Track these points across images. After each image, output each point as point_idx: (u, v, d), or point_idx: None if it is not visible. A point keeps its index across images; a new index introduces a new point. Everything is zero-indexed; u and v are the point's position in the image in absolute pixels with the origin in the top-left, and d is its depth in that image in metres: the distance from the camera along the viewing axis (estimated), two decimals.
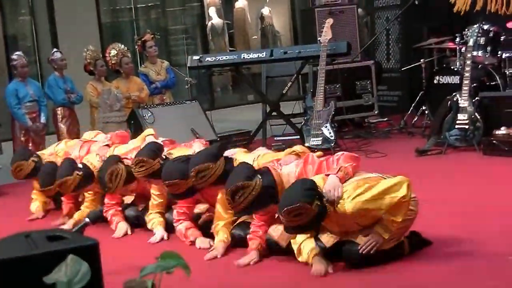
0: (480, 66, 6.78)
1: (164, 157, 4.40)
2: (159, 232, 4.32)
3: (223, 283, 3.55)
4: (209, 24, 11.86)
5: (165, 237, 4.30)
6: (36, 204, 5.42)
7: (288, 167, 3.65)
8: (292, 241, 3.56)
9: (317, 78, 6.61)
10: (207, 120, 7.19)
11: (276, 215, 3.59)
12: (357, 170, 3.51)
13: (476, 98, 6.17)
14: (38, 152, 5.73)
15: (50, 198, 5.38)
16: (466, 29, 6.57)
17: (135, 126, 6.87)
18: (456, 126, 6.14)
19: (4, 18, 9.84)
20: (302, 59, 7.27)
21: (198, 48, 11.77)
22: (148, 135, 5.03)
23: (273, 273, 3.57)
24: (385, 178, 3.45)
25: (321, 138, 6.50)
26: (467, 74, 6.14)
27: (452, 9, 6.81)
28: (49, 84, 7.24)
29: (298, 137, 6.93)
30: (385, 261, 3.42)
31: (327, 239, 3.50)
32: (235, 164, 3.97)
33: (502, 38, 6.78)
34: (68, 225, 4.88)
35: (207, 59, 7.46)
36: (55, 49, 7.70)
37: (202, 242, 4.06)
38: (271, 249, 3.73)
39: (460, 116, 6.13)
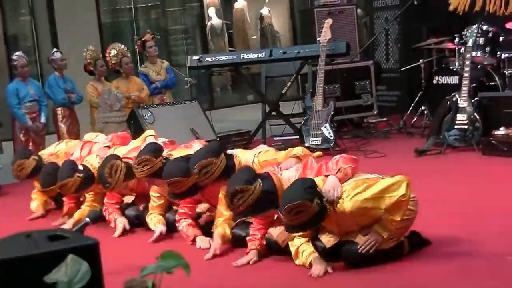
0: (479, 66, 6.79)
1: (164, 157, 4.41)
2: (158, 228, 4.33)
3: (224, 283, 3.55)
4: (209, 24, 11.87)
5: (164, 232, 4.31)
6: (36, 203, 5.43)
7: (288, 172, 3.66)
8: (290, 243, 3.58)
9: (316, 78, 6.62)
10: (207, 120, 7.21)
11: (276, 216, 3.61)
12: (356, 171, 3.52)
13: (475, 98, 6.17)
14: (38, 153, 5.74)
15: (51, 199, 5.39)
16: (465, 30, 6.58)
17: (135, 126, 6.88)
18: (455, 126, 6.15)
19: (4, 18, 9.84)
20: (301, 59, 7.29)
21: (197, 48, 11.76)
22: (148, 136, 5.04)
23: (273, 273, 3.58)
24: (384, 179, 3.46)
25: (320, 138, 6.52)
26: (466, 75, 6.15)
27: (452, 10, 6.84)
28: (49, 84, 7.25)
29: (298, 137, 6.95)
30: (384, 261, 3.42)
31: (327, 240, 3.51)
32: (236, 160, 3.99)
33: (501, 38, 6.78)
34: (68, 224, 4.89)
35: (206, 59, 7.48)
36: (55, 49, 7.71)
37: (202, 241, 4.07)
38: (270, 249, 3.74)
39: (459, 116, 6.14)
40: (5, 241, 2.28)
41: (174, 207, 4.47)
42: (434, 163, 5.90)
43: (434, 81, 7.13)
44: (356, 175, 3.50)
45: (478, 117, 6.08)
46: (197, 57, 7.43)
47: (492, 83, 6.73)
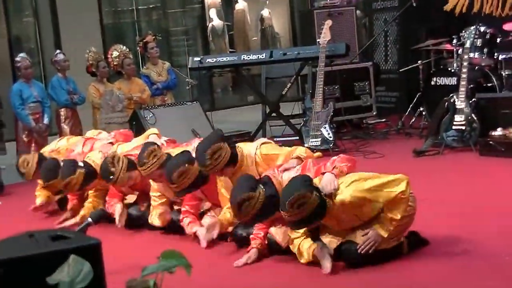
0: (476, 67, 6.82)
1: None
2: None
3: (224, 282, 3.56)
4: (210, 25, 11.88)
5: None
6: (40, 199, 5.47)
7: (288, 174, 3.68)
8: (291, 246, 3.60)
9: (316, 79, 6.64)
10: (208, 120, 7.23)
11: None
12: (352, 170, 3.54)
13: (473, 99, 6.20)
14: (40, 150, 5.80)
15: (54, 194, 5.38)
16: (463, 31, 6.61)
17: (137, 127, 6.91)
18: (453, 127, 6.18)
19: (8, 20, 9.86)
20: (301, 60, 7.31)
21: (198, 49, 11.75)
22: (151, 134, 5.07)
23: (273, 273, 3.59)
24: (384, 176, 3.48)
25: (320, 139, 6.53)
26: (464, 76, 6.16)
27: (450, 11, 6.89)
28: (52, 85, 7.30)
29: (298, 138, 6.96)
30: (384, 260, 3.43)
31: (329, 240, 3.54)
32: (238, 150, 3.99)
33: (499, 40, 6.79)
34: (72, 221, 4.94)
35: (207, 60, 7.51)
36: (58, 51, 7.76)
37: (202, 232, 4.10)
38: (271, 249, 3.77)
39: (457, 117, 6.16)
40: (8, 241, 2.30)
41: (176, 207, 4.49)
42: (432, 164, 5.92)
43: (432, 82, 7.15)
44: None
45: (475, 118, 6.11)
46: (198, 58, 7.47)
47: (490, 84, 6.76)
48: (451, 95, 6.26)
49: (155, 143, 4.61)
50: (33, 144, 6.97)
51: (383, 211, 3.43)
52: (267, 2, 12.44)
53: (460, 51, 6.80)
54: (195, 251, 3.94)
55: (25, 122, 7.00)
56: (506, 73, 6.68)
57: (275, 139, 7.50)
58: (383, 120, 8.06)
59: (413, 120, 7.58)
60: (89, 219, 3.82)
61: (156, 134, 5.06)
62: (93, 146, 5.27)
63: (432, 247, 3.64)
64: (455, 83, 6.59)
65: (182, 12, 12.01)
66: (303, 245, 3.53)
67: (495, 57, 6.80)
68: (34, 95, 7.05)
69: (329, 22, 6.84)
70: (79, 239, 2.31)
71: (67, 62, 7.34)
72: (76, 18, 9.47)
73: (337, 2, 8.34)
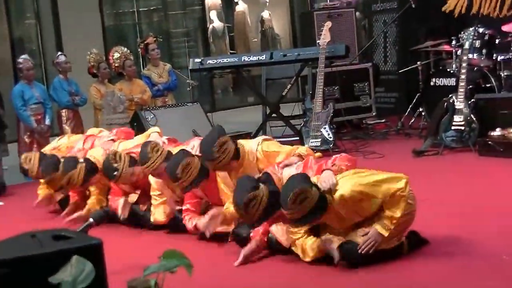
0: (475, 68, 6.84)
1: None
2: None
3: (225, 282, 3.57)
4: (210, 27, 11.90)
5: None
6: (42, 195, 5.53)
7: (288, 170, 3.69)
8: (294, 249, 3.60)
9: (316, 80, 6.66)
10: (209, 121, 7.26)
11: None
12: (352, 169, 3.55)
13: (472, 100, 6.22)
14: (41, 150, 5.85)
15: (56, 191, 5.39)
16: (462, 32, 6.64)
17: (138, 128, 6.94)
18: (452, 128, 6.20)
19: (10, 22, 9.88)
20: (301, 62, 7.33)
21: (199, 51, 11.75)
22: (153, 132, 5.09)
23: (274, 273, 3.59)
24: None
25: (320, 139, 6.55)
26: (463, 76, 6.19)
27: (449, 13, 6.92)
28: (54, 86, 7.35)
29: (298, 138, 6.99)
30: (384, 260, 3.44)
31: None
32: (239, 146, 4.01)
33: (497, 41, 6.83)
34: (79, 212, 4.97)
35: (208, 61, 7.53)
36: (59, 52, 7.81)
37: (203, 221, 4.12)
38: (273, 248, 3.77)
39: (456, 118, 6.18)
40: (10, 241, 2.32)
41: (177, 207, 4.49)
42: (431, 164, 5.94)
43: (432, 83, 7.17)
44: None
45: (474, 118, 6.13)
46: (198, 60, 7.49)
47: (488, 85, 6.78)
48: (450, 95, 6.29)
49: (154, 141, 4.64)
50: (35, 145, 7.00)
51: (383, 209, 3.43)
52: (267, 3, 12.47)
53: (459, 52, 6.82)
54: (196, 251, 3.92)
55: (27, 123, 7.04)
56: (505, 73, 6.71)
57: (275, 139, 7.54)
58: (383, 120, 8.09)
59: (412, 120, 7.61)
60: (91, 220, 3.82)
61: (157, 132, 5.08)
62: (94, 143, 5.29)
63: (432, 247, 3.64)
64: (454, 83, 6.60)
65: (182, 14, 12.02)
66: (307, 243, 3.53)
67: (494, 58, 6.82)
68: (36, 96, 7.09)
69: (328, 24, 6.85)
70: (81, 239, 2.33)
71: (68, 64, 7.38)
72: (77, 20, 9.48)
73: (336, 4, 8.38)
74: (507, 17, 6.69)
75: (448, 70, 7.12)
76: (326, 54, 6.72)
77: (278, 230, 3.73)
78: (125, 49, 7.77)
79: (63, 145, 5.68)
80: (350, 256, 3.45)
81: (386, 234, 3.40)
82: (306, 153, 3.92)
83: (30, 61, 7.20)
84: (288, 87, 7.54)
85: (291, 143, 4.35)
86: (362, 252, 3.41)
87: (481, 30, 6.72)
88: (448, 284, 3.20)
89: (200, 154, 4.14)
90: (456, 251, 3.58)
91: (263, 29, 12.50)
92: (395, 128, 7.63)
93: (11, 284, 2.06)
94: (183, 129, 6.83)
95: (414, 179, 3.63)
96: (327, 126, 6.58)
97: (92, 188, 5.05)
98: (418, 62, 7.62)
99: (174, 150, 4.52)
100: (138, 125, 7.01)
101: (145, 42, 7.97)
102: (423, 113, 7.34)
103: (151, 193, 4.57)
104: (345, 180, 3.40)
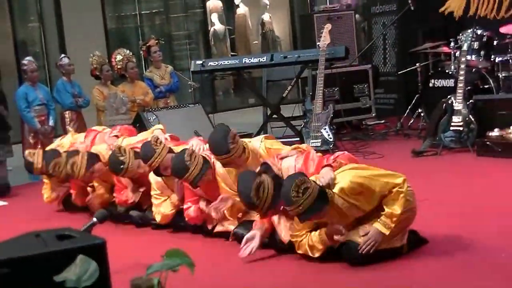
0: (474, 69, 6.87)
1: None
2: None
3: (227, 281, 3.58)
4: (212, 29, 11.90)
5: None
6: (46, 194, 5.61)
7: (287, 161, 3.72)
8: (300, 251, 3.60)
9: (316, 82, 6.68)
10: (210, 122, 7.29)
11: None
12: None
13: (470, 100, 6.25)
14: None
15: (61, 182, 5.44)
16: (460, 34, 6.66)
17: (140, 129, 6.99)
18: (451, 128, 6.24)
19: (14, 24, 9.91)
20: (301, 64, 7.34)
21: (200, 53, 11.76)
22: (156, 129, 5.13)
23: (275, 272, 3.60)
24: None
25: (320, 140, 6.56)
26: (461, 78, 6.22)
27: (448, 15, 6.97)
28: (57, 88, 7.39)
29: (298, 139, 7.01)
30: (384, 259, 3.45)
31: None
32: (243, 144, 4.04)
33: (495, 42, 6.87)
34: (92, 198, 5.07)
35: (209, 63, 7.55)
36: (63, 55, 7.86)
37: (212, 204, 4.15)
38: (275, 247, 3.80)
39: (455, 118, 6.22)
40: (15, 240, 2.33)
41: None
42: (430, 164, 5.97)
43: (430, 84, 7.21)
44: None
45: (473, 119, 6.16)
46: (200, 62, 7.52)
47: (487, 86, 6.81)
48: (448, 96, 6.32)
49: (155, 135, 4.67)
50: (39, 146, 7.02)
51: (383, 209, 3.44)
52: (268, 6, 12.50)
53: (457, 53, 6.83)
54: (199, 250, 3.93)
55: (30, 124, 7.09)
56: (503, 75, 6.74)
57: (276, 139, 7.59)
58: (382, 121, 8.12)
59: (411, 121, 7.64)
60: (94, 219, 3.82)
61: (161, 129, 5.12)
62: (96, 137, 5.35)
63: (432, 246, 3.65)
64: (453, 85, 6.63)
65: (184, 17, 12.03)
66: (312, 238, 3.52)
67: (492, 59, 6.86)
68: (40, 98, 7.14)
69: (328, 26, 6.86)
70: (84, 239, 2.34)
71: (71, 66, 7.43)
72: (80, 22, 9.51)
73: (336, 6, 8.46)
74: (505, 18, 6.75)
75: (447, 71, 7.15)
76: (326, 56, 6.74)
77: (280, 228, 3.75)
78: (128, 51, 7.80)
79: (67, 141, 5.75)
80: (350, 256, 3.46)
81: (387, 232, 3.40)
82: (306, 149, 3.95)
83: (34, 63, 7.25)
84: (289, 88, 7.55)
85: (291, 144, 4.39)
86: (363, 252, 3.42)
87: (479, 31, 6.76)
88: (448, 283, 3.21)
89: (207, 152, 4.18)
90: (456, 250, 3.60)
91: (264, 31, 12.51)
92: (394, 129, 7.67)
93: (16, 284, 2.07)
94: (185, 130, 6.85)
95: (413, 179, 3.64)
96: (327, 127, 6.60)
97: (96, 184, 5.09)
98: (417, 64, 7.65)
99: (176, 148, 4.52)
100: (140, 126, 7.04)
101: (147, 44, 8.00)
102: (422, 114, 7.37)
103: (152, 192, 4.60)
104: (344, 174, 3.42)
